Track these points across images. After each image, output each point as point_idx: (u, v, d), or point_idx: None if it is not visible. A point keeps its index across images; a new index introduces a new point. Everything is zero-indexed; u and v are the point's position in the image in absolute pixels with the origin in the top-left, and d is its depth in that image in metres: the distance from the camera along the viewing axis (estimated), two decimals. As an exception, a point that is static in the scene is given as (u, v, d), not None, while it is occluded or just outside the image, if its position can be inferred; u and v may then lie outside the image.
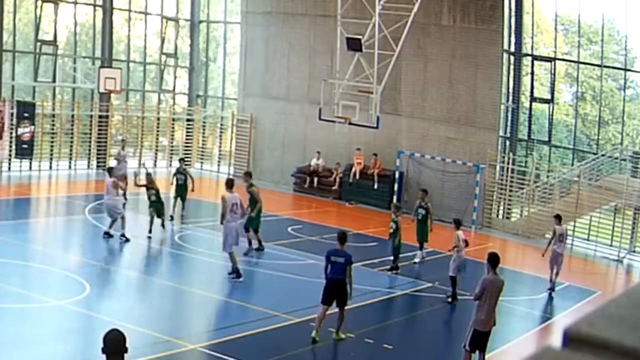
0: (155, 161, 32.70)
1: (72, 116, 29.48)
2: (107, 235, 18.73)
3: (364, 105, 24.30)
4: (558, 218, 18.69)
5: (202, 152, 34.31)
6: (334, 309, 12.92)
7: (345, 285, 12.81)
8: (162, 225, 20.13)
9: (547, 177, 27.08)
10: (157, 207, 19.71)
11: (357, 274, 13.78)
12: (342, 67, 24.62)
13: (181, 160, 23.74)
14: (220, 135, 34.44)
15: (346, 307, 12.99)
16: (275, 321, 13.59)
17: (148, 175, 20.30)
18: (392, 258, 18.42)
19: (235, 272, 16.13)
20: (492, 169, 27.17)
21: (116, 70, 29.01)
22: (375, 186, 28.15)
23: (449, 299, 16.09)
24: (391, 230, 18.20)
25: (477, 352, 11.53)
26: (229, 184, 16.70)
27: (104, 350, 6.25)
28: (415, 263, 19.57)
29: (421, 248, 19.86)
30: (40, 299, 13.54)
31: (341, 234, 13.46)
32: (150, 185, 19.80)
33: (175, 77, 34.30)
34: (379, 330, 14.09)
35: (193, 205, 23.17)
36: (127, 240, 18.56)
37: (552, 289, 17.98)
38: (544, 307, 17.63)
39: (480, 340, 11.42)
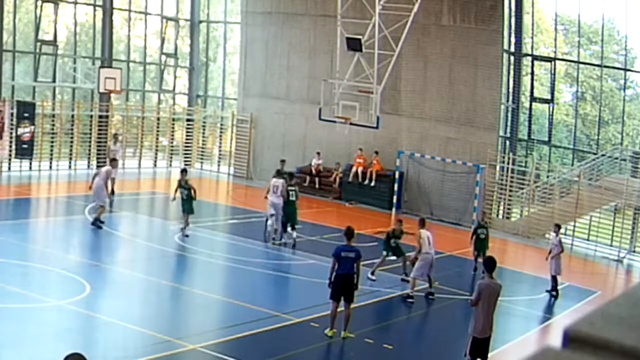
0: (155, 161, 32.72)
1: (72, 116, 29.47)
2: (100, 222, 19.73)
3: (364, 105, 24.30)
4: (557, 226, 18.92)
5: (202, 152, 34.31)
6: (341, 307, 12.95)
7: (354, 280, 12.95)
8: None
9: (547, 177, 27.07)
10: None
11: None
12: (342, 67, 24.62)
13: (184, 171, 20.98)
14: (220, 135, 34.43)
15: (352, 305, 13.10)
16: (275, 321, 13.59)
17: None
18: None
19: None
20: (492, 169, 27.17)
21: (116, 70, 28.99)
22: (372, 183, 28.15)
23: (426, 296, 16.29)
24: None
25: None
26: None
27: None
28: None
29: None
30: (40, 299, 13.53)
31: (348, 229, 13.51)
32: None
33: (175, 77, 34.29)
34: (379, 330, 14.09)
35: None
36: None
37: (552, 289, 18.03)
38: (544, 307, 17.63)
39: (480, 348, 11.22)
